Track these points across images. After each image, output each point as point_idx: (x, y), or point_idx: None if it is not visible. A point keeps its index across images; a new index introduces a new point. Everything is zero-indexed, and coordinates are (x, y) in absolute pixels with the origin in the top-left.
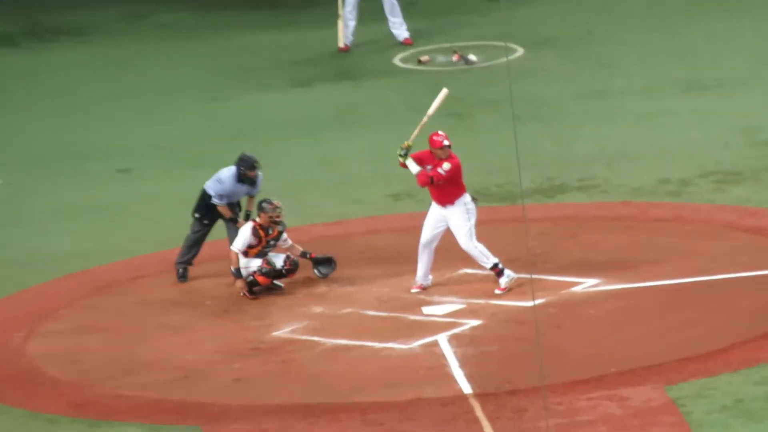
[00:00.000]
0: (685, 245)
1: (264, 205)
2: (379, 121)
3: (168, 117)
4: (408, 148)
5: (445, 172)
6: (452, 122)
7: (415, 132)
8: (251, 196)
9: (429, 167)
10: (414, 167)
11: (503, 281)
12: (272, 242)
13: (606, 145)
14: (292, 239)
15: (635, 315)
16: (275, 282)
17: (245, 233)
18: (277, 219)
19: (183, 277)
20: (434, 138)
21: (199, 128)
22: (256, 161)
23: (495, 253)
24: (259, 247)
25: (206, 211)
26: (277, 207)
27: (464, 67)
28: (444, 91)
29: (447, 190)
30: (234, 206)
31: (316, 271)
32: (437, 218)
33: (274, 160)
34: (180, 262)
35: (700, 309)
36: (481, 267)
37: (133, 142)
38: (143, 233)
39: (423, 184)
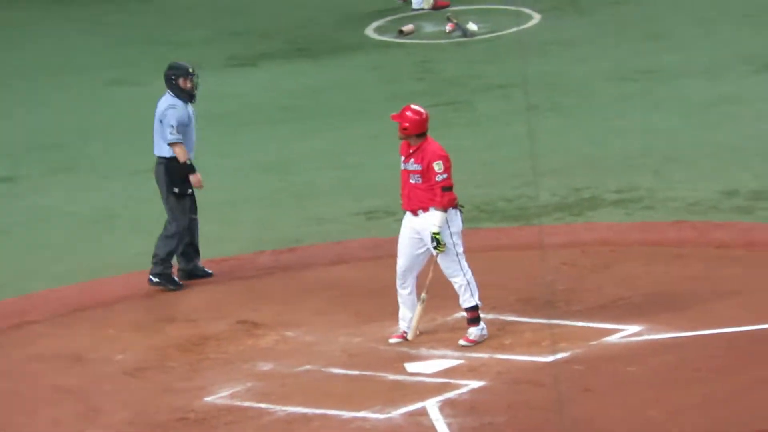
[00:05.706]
0: (760, 279)
1: None
2: (347, 112)
3: (62, 105)
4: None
5: (444, 169)
6: (446, 114)
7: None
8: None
9: (411, 162)
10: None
11: (474, 332)
12: None
13: (653, 144)
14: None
15: (691, 374)
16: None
17: None
18: None
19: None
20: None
21: (102, 118)
22: (189, 66)
23: (500, 291)
24: None
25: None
26: None
27: (461, 40)
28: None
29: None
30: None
31: None
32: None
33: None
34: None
35: None
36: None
37: (13, 138)
38: (32, 263)
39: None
